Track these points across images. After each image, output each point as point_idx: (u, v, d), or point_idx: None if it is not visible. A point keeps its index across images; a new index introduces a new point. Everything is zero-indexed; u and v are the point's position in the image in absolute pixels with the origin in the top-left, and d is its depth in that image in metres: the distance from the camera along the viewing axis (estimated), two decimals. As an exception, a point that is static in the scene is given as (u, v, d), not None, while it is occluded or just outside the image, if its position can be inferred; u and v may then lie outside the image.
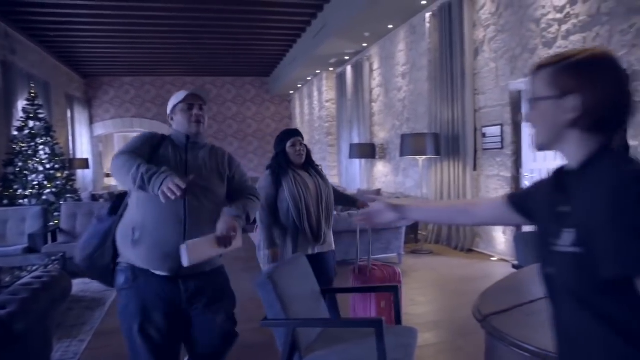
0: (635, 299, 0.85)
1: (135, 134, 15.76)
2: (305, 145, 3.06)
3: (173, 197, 1.75)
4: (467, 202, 1.46)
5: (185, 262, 1.90)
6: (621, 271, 0.84)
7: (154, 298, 2.00)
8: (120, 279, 2.03)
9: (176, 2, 7.82)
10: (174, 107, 2.13)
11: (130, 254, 2.00)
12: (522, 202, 1.21)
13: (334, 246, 3.06)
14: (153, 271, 1.99)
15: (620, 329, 0.88)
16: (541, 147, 1.07)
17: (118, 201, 2.17)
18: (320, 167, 3.20)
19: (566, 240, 0.94)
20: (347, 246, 5.32)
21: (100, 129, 13.94)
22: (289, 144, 2.95)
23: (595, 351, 0.92)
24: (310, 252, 2.87)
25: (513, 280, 2.10)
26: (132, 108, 14.13)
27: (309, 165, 3.07)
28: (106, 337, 3.50)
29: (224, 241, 1.97)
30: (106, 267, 2.07)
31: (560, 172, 1.04)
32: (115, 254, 2.06)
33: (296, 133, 3.04)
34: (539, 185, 1.17)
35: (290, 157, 2.95)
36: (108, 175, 16.80)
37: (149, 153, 2.01)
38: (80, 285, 4.73)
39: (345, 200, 3.26)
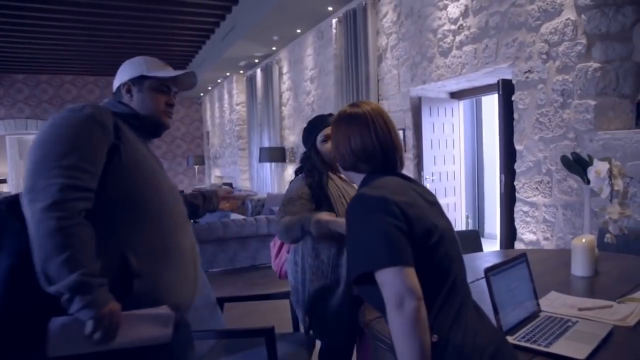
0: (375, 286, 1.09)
1: (31, 136, 14.43)
2: None
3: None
4: None
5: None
6: (352, 276, 1.13)
7: None
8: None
9: (72, -4, 7.32)
10: (141, 78, 1.48)
11: None
12: None
13: None
14: None
15: (378, 306, 1.15)
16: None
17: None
18: None
19: None
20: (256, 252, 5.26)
21: (-12, 131, 12.77)
22: (319, 138, 2.12)
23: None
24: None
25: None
26: (26, 108, 13.06)
27: None
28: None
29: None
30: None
31: None
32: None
33: (327, 121, 2.15)
34: None
35: (324, 157, 2.13)
36: (0, 182, 15.39)
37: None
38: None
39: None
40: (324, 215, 1.90)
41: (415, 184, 1.28)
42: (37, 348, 1.16)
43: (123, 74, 1.51)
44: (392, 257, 1.06)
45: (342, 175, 2.09)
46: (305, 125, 2.29)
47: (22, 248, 1.17)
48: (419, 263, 1.09)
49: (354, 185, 2.16)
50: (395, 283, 1.04)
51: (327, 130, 2.08)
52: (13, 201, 1.25)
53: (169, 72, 1.50)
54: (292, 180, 2.20)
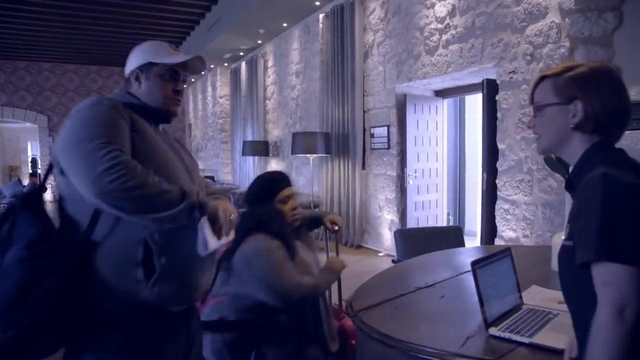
0: None
1: (10, 125, 14.14)
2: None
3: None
4: None
5: (204, 250, 1.37)
6: (585, 259, 0.94)
7: (166, 349, 1.37)
8: (112, 342, 1.28)
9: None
10: (149, 65, 1.44)
11: (136, 296, 1.28)
12: None
13: None
14: (169, 308, 1.37)
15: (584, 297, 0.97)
16: (545, 150, 1.17)
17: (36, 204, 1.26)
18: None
19: (566, 235, 1.06)
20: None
21: (-38, 118, 12.44)
22: (278, 198, 1.97)
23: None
24: None
25: (387, 275, 2.19)
26: (2, 95, 12.75)
27: (306, 228, 2.17)
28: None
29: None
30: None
31: (570, 175, 1.13)
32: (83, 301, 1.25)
33: (287, 180, 2.06)
34: None
35: (284, 219, 1.96)
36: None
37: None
38: None
39: (314, 224, 2.35)
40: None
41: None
42: (57, 341, 1.23)
43: (132, 61, 1.47)
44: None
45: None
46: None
47: (34, 238, 1.20)
48: None
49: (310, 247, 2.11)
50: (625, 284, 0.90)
51: (288, 191, 1.99)
52: (27, 196, 1.26)
53: (176, 57, 1.46)
54: (247, 246, 1.85)
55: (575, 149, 1.09)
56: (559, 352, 1.23)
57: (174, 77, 1.46)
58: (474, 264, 1.43)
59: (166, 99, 1.44)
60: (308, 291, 1.85)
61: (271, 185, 2.01)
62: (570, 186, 1.12)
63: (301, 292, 1.82)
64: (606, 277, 0.92)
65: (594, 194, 0.95)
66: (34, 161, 16.90)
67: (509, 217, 4.12)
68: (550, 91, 1.11)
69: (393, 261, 3.02)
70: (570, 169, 1.12)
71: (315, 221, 2.33)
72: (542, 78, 1.13)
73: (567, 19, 3.46)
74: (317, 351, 1.96)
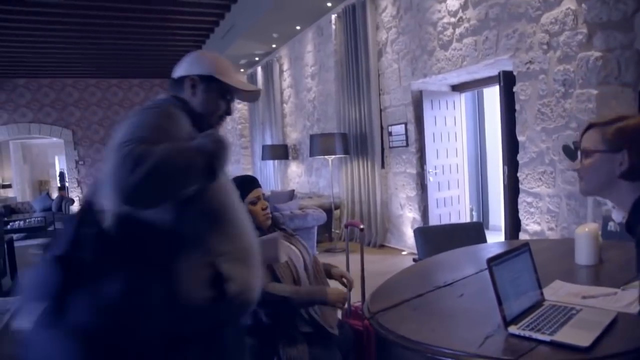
0: None
1: (37, 141, 14.47)
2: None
3: None
4: None
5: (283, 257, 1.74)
6: None
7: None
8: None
9: (72, -1, 7.33)
10: (210, 78, 1.39)
11: (208, 316, 1.23)
12: None
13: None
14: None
15: None
16: (588, 192, 1.26)
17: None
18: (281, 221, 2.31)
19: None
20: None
21: (-8, 136, 12.80)
22: (248, 200, 2.06)
23: None
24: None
25: (406, 274, 2.16)
26: (28, 112, 13.07)
27: (276, 225, 2.20)
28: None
29: None
30: None
31: (629, 219, 1.20)
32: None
33: (256, 182, 2.15)
34: None
35: (257, 219, 2.06)
36: (4, 186, 15.49)
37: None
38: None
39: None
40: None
41: None
42: None
43: (192, 66, 1.40)
44: None
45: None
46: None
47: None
48: None
49: (294, 240, 2.18)
50: None
51: (257, 192, 2.07)
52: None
53: (240, 82, 1.43)
54: None
55: (623, 196, 1.17)
56: (582, 350, 1.19)
57: (229, 99, 1.44)
58: (489, 261, 1.39)
59: (215, 117, 1.42)
60: (277, 293, 1.88)
61: (239, 188, 2.04)
62: (629, 229, 1.18)
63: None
64: None
65: None
66: (61, 175, 17.30)
67: (532, 210, 4.03)
68: (598, 139, 1.17)
69: (414, 259, 2.98)
70: (617, 211, 1.25)
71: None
72: (590, 126, 1.20)
73: (583, 5, 3.37)
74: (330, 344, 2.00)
